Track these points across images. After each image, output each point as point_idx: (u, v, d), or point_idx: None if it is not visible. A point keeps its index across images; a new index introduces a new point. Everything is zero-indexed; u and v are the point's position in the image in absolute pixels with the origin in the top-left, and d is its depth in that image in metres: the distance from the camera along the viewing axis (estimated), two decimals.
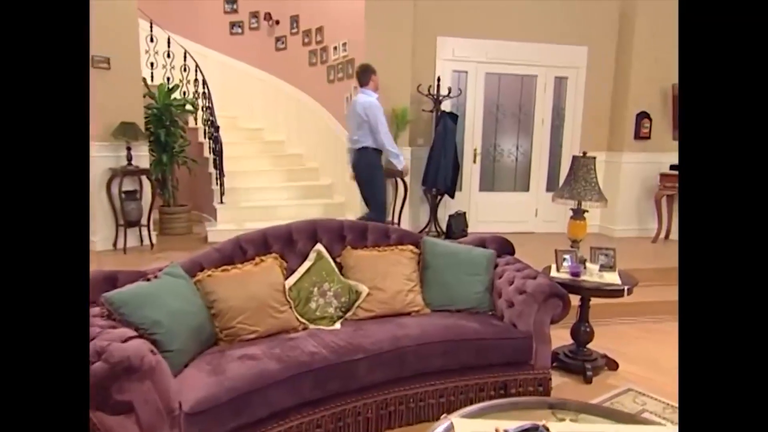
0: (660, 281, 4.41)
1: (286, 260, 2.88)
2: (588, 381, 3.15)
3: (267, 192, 6.41)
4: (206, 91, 6.33)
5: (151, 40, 6.42)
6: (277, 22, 7.26)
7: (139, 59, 5.38)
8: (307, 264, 2.89)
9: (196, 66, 6.58)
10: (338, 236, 3.08)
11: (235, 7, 7.61)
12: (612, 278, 3.20)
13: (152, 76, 6.39)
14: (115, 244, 5.20)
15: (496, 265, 3.13)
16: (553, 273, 3.25)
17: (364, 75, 4.88)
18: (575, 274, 3.19)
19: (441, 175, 5.64)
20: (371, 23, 5.58)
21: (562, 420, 1.98)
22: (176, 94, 6.29)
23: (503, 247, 3.30)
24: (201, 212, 6.67)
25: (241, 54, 7.63)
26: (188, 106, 6.42)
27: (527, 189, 6.51)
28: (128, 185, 5.18)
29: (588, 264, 3.30)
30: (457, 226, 5.78)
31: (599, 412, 2.12)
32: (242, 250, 2.83)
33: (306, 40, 6.85)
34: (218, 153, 5.91)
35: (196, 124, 6.84)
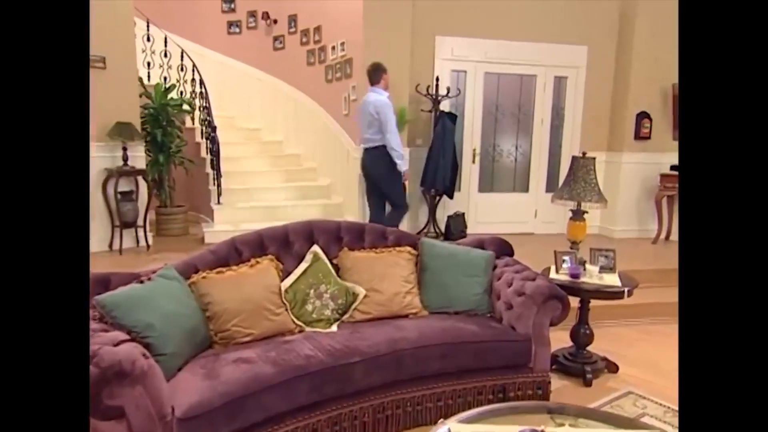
0: (660, 282, 4.38)
1: (282, 262, 2.85)
2: (588, 384, 3.12)
3: (265, 192, 6.37)
4: (203, 90, 6.30)
5: (148, 39, 6.40)
6: (275, 22, 7.23)
7: (135, 59, 5.34)
8: (303, 266, 2.85)
9: (193, 65, 6.54)
10: (335, 237, 3.05)
11: (232, 6, 7.58)
12: (612, 280, 3.17)
13: (149, 76, 6.37)
14: (110, 245, 5.16)
15: (495, 267, 3.10)
16: (553, 275, 3.22)
17: (375, 73, 4.86)
18: (575, 276, 3.16)
19: (440, 175, 5.60)
20: (369, 23, 5.55)
21: (561, 425, 1.95)
22: (173, 94, 6.25)
23: (502, 248, 3.27)
24: (198, 213, 6.63)
25: (239, 53, 7.60)
26: (185, 106, 6.38)
27: (526, 190, 6.48)
28: (124, 186, 5.14)
29: (588, 265, 3.27)
30: (455, 227, 5.75)
31: (598, 416, 2.09)
32: (237, 252, 2.80)
33: (304, 39, 6.82)
34: (215, 153, 5.88)
35: (193, 124, 6.81)
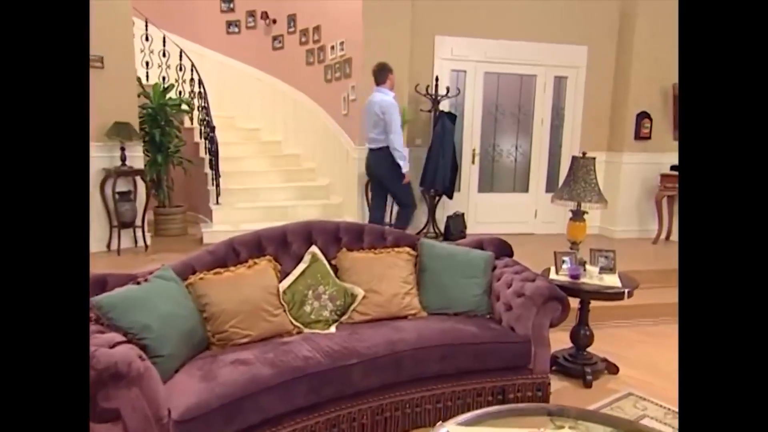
0: (661, 283, 4.37)
1: (281, 263, 2.83)
2: (588, 385, 3.10)
3: (264, 193, 6.35)
4: (202, 90, 6.28)
5: (147, 38, 6.38)
6: (274, 21, 7.21)
7: (133, 58, 5.32)
8: (301, 266, 2.84)
9: (192, 65, 6.52)
10: (333, 238, 3.03)
11: (231, 6, 7.56)
12: (612, 281, 3.15)
13: (147, 76, 6.34)
14: (108, 246, 5.14)
15: (495, 268, 3.08)
16: (552, 275, 3.20)
17: (381, 73, 4.86)
18: (575, 277, 3.15)
19: (439, 175, 5.58)
20: (369, 22, 5.53)
21: (561, 427, 1.94)
22: (171, 94, 6.23)
23: (501, 248, 3.25)
24: (197, 213, 6.61)
25: (238, 53, 7.58)
26: (184, 106, 6.36)
27: (526, 190, 6.46)
28: (122, 186, 5.12)
29: (588, 266, 3.25)
30: (455, 228, 5.73)
31: (598, 419, 2.08)
32: (235, 253, 2.78)
33: (303, 39, 6.81)
34: (214, 153, 5.86)
35: (191, 124, 6.79)
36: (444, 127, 5.56)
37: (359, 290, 2.84)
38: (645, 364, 3.44)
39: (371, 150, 4.91)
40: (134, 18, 5.40)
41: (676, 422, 2.72)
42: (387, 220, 5.41)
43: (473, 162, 6.23)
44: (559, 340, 3.29)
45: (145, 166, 5.49)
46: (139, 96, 5.59)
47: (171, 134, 6.05)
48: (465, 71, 6.07)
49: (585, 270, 3.21)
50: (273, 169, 6.78)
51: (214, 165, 5.86)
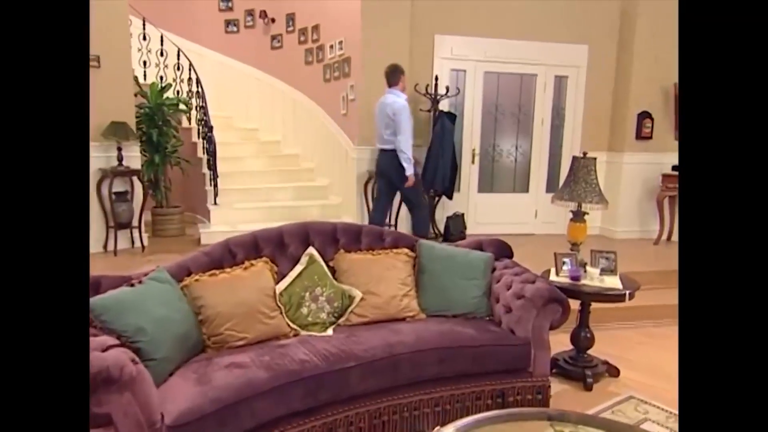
0: (662, 284, 4.34)
1: (277, 264, 2.80)
2: (588, 388, 3.07)
3: (262, 193, 6.32)
4: (200, 90, 6.24)
5: (144, 38, 6.34)
6: (273, 21, 7.18)
7: (130, 57, 5.29)
8: (298, 268, 2.80)
9: (190, 65, 6.49)
10: (331, 239, 3.00)
11: (230, 4, 7.52)
12: (613, 282, 3.12)
13: (145, 75, 6.32)
14: (105, 246, 5.11)
15: (494, 269, 3.05)
16: (553, 277, 3.17)
17: (393, 75, 4.83)
18: (575, 278, 3.11)
19: (439, 175, 5.55)
20: (368, 21, 5.50)
21: None
22: (169, 93, 6.20)
23: (501, 250, 3.21)
24: (194, 214, 6.58)
25: (237, 52, 7.55)
26: (181, 106, 6.33)
27: (527, 190, 6.42)
28: (119, 186, 5.09)
29: (588, 267, 3.22)
30: (455, 228, 5.70)
31: (599, 423, 2.05)
32: (231, 254, 2.74)
33: (302, 38, 6.77)
34: (212, 153, 5.83)
35: (189, 123, 6.75)
36: (444, 126, 5.53)
37: (357, 292, 2.80)
38: (646, 366, 3.40)
39: (382, 150, 4.87)
40: (131, 17, 5.37)
41: (677, 425, 2.69)
42: (386, 220, 5.37)
43: (473, 162, 6.19)
44: (560, 343, 3.25)
45: (142, 166, 5.46)
46: (136, 95, 5.57)
47: (168, 134, 6.02)
48: (465, 71, 6.03)
49: (585, 271, 3.17)
50: (271, 169, 6.75)
51: (212, 165, 5.83)
